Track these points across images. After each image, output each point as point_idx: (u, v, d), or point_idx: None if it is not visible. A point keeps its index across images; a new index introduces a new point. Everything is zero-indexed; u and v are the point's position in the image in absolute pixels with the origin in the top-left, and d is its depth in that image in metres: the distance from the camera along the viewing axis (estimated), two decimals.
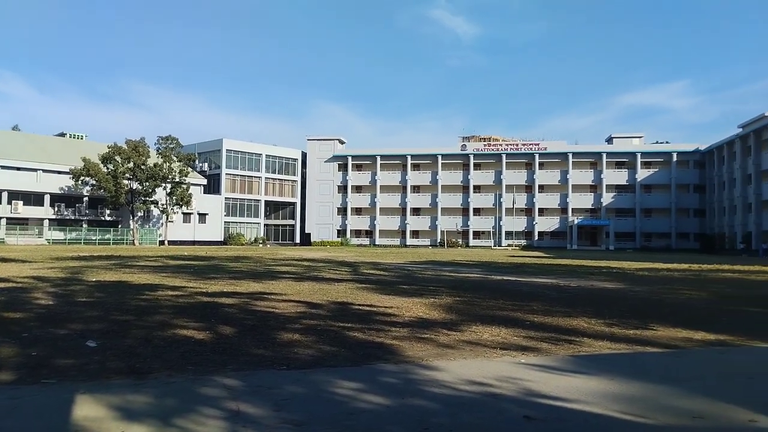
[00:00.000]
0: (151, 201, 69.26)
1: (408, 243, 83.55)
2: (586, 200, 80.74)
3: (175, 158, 70.04)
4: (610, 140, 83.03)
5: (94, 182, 65.71)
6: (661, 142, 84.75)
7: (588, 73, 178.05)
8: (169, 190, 70.09)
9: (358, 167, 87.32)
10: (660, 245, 76.76)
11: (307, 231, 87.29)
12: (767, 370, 6.28)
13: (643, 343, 7.56)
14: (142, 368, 5.63)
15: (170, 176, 68.90)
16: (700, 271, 25.08)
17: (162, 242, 71.72)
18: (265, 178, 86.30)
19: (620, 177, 79.99)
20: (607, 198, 79.82)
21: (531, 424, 4.23)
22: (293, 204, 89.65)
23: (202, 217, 78.13)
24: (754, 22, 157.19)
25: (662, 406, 4.74)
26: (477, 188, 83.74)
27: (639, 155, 79.16)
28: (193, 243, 74.38)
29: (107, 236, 68.86)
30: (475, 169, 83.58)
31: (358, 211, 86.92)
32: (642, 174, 79.06)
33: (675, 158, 78.55)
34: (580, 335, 7.98)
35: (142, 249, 50.63)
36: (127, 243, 68.82)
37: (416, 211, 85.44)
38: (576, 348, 7.12)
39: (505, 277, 19.46)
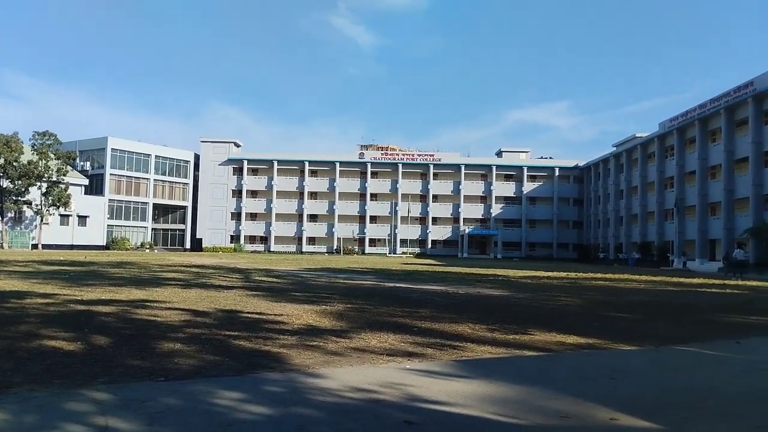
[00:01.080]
0: (23, 201, 63.79)
1: (304, 250, 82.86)
2: (476, 210, 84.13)
3: (52, 156, 64.99)
4: (499, 154, 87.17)
5: None
6: (546, 158, 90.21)
7: (480, 88, 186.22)
8: (44, 190, 64.94)
9: (254, 171, 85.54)
10: (543, 254, 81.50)
11: (198, 236, 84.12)
12: (627, 371, 6.83)
13: (521, 347, 7.97)
14: (1, 383, 5.15)
15: (46, 175, 63.84)
16: (576, 279, 26.88)
17: (35, 246, 66.25)
18: (154, 179, 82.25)
19: (508, 189, 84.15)
20: (496, 209, 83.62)
21: (411, 428, 4.32)
22: (184, 208, 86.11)
23: (82, 219, 73.04)
24: (628, 55, 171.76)
25: (534, 406, 5.01)
26: (374, 196, 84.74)
27: (525, 169, 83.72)
28: (72, 247, 69.29)
29: None
30: (372, 178, 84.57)
31: (253, 216, 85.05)
32: (528, 187, 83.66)
33: (557, 173, 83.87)
34: (464, 341, 8.27)
35: (11, 253, 46.49)
36: None
37: (313, 218, 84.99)
38: (460, 353, 7.37)
39: (397, 284, 19.79)
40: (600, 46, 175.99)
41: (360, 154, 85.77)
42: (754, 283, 28.17)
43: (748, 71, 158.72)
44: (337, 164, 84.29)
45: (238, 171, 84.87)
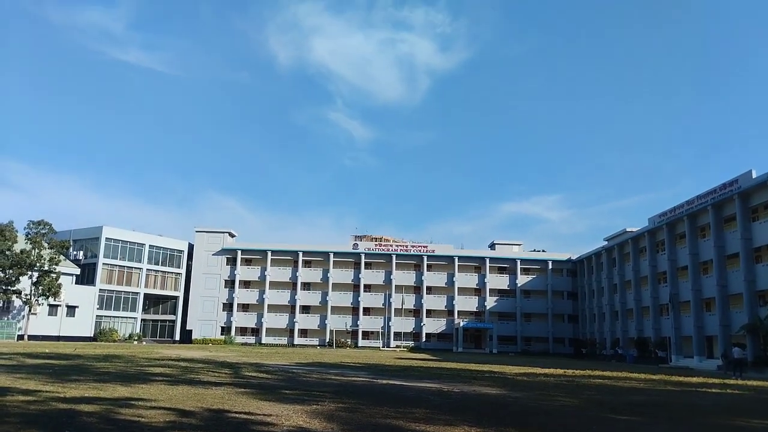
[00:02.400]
0: (13, 290, 62.95)
1: (296, 342, 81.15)
2: (471, 303, 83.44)
3: (46, 245, 64.92)
4: (492, 246, 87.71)
5: None
6: (538, 251, 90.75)
7: (471, 181, 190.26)
8: (35, 279, 64.32)
9: (247, 262, 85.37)
10: (539, 349, 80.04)
11: (188, 327, 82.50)
12: None
13: None
14: None
15: (38, 264, 63.46)
16: (573, 377, 26.27)
17: (21, 337, 64.72)
18: (147, 269, 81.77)
19: (502, 282, 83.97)
20: (490, 302, 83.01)
21: None
22: (175, 298, 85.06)
23: (71, 309, 71.80)
24: (615, 152, 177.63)
25: None
26: (367, 287, 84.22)
27: (519, 262, 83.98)
28: (59, 339, 67.67)
29: None
30: (366, 269, 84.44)
31: (245, 307, 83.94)
32: (522, 280, 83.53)
33: (550, 266, 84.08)
34: None
35: None
36: None
37: (306, 309, 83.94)
38: None
39: (391, 381, 19.28)
40: (587, 142, 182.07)
41: (354, 244, 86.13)
42: (755, 383, 27.59)
43: (733, 168, 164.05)
44: (331, 255, 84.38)
45: (232, 261, 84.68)
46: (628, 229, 69.49)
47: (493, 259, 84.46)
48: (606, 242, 75.28)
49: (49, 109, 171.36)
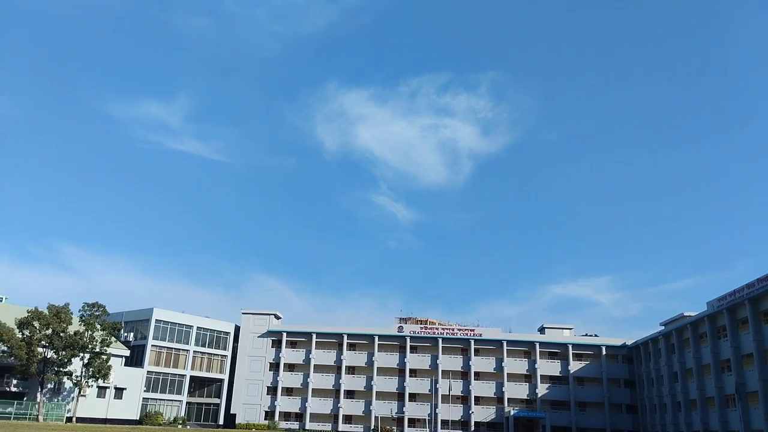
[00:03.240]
0: (64, 372, 64.10)
1: (340, 428, 78.98)
2: (521, 390, 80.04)
3: (98, 326, 66.48)
4: (542, 330, 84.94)
5: (5, 348, 60.93)
6: (590, 335, 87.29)
7: (517, 262, 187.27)
8: (86, 361, 65.49)
9: (292, 344, 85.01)
10: None
11: (232, 411, 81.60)
12: None
13: None
14: None
15: (90, 346, 64.81)
16: None
17: (70, 419, 65.23)
18: (194, 351, 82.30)
19: (554, 368, 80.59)
20: (542, 389, 79.44)
21: None
22: (220, 381, 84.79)
23: (119, 392, 72.32)
24: (667, 232, 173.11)
25: None
26: (413, 372, 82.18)
27: (570, 347, 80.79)
28: (105, 421, 67.94)
29: (8, 410, 62.06)
30: (411, 352, 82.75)
31: (289, 391, 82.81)
32: (574, 366, 80.00)
33: (604, 352, 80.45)
34: None
35: (45, 426, 45.79)
36: (30, 418, 62.20)
37: (350, 394, 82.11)
38: None
39: None
40: (635, 222, 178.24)
41: (399, 327, 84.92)
42: None
43: None
44: (376, 338, 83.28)
45: (277, 343, 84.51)
46: (685, 314, 66.44)
47: (543, 344, 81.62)
48: (663, 327, 71.92)
49: (105, 196, 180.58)
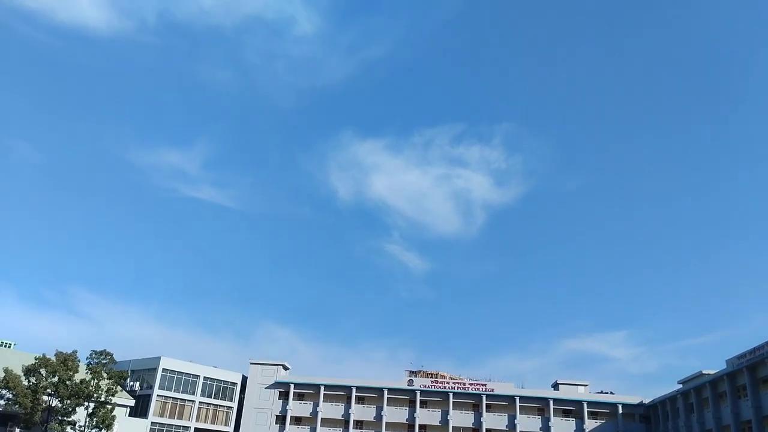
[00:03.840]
0: (68, 422, 63.00)
1: None
2: None
3: (105, 375, 65.69)
4: (556, 386, 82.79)
5: (10, 396, 60.23)
6: (606, 392, 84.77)
7: (531, 314, 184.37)
8: (91, 410, 64.44)
9: (299, 396, 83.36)
10: None
11: None
12: None
13: None
14: None
15: (96, 395, 63.89)
16: None
17: None
18: (199, 402, 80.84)
19: (568, 426, 78.05)
20: None
21: None
22: None
23: None
24: (684, 285, 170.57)
25: None
26: (423, 428, 79.98)
27: (585, 404, 78.40)
28: None
29: None
30: (421, 407, 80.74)
31: None
32: (590, 425, 77.44)
33: (621, 410, 77.94)
34: None
35: None
36: None
37: None
38: None
39: None
40: (651, 275, 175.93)
41: (409, 380, 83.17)
42: None
43: None
44: (385, 391, 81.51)
45: (284, 395, 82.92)
46: (704, 371, 64.59)
47: (557, 401, 79.36)
48: (681, 385, 69.84)
49: (122, 242, 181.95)
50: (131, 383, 78.36)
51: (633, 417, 78.73)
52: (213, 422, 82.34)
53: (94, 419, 64.17)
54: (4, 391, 60.17)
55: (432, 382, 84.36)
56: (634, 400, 79.73)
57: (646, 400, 78.43)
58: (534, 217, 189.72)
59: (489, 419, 79.12)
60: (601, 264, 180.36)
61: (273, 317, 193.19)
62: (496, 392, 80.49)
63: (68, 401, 62.16)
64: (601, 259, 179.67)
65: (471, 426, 79.36)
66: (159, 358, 78.43)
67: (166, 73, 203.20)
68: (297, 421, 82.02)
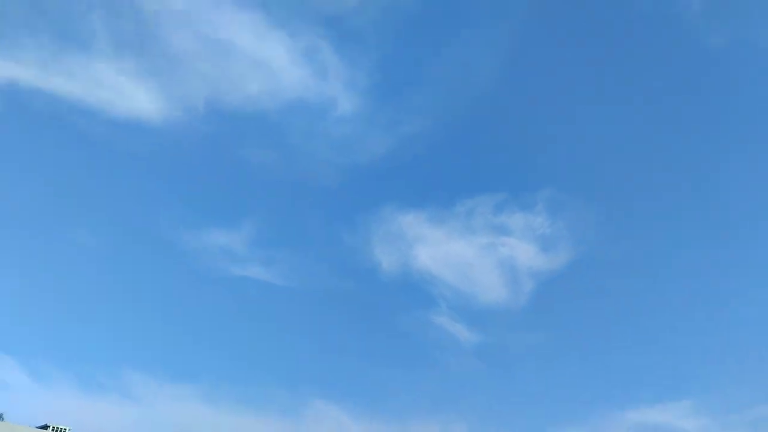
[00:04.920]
0: None
1: None
2: None
3: None
4: None
5: None
6: None
7: (587, 385, 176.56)
8: None
9: None
10: None
11: None
12: None
13: None
14: None
15: None
16: None
17: None
18: None
19: None
20: None
21: None
22: None
23: None
24: (749, 348, 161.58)
25: None
26: None
27: None
28: None
29: None
30: None
31: None
32: None
33: None
34: None
35: None
36: None
37: None
38: None
39: None
40: (716, 339, 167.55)
41: None
42: None
43: None
44: None
45: None
46: None
47: None
48: None
49: (170, 323, 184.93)
50: None
51: None
52: None
53: None
54: None
55: None
56: None
57: None
58: (583, 283, 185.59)
59: None
60: (659, 330, 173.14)
61: (320, 394, 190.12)
62: None
63: None
64: (658, 325, 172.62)
65: None
66: None
67: (215, 156, 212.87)
68: None
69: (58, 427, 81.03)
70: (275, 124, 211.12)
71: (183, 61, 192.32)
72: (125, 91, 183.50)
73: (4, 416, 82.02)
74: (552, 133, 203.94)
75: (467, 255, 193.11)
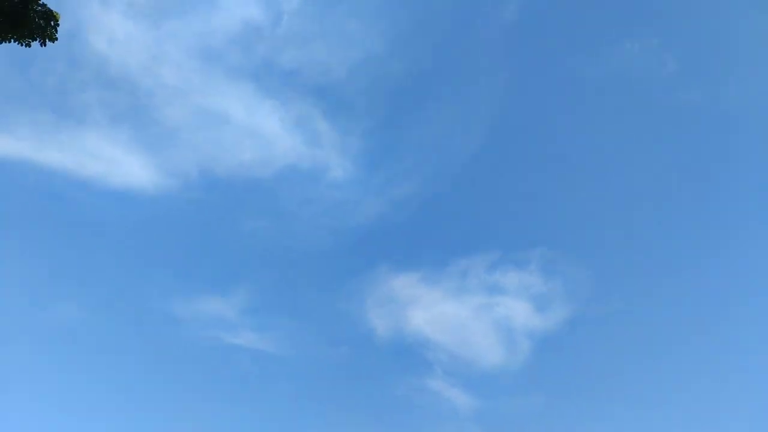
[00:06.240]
0: None
1: None
2: None
3: None
4: None
5: None
6: None
7: None
8: None
9: None
10: None
11: None
12: None
13: None
14: None
15: None
16: None
17: None
18: None
19: None
20: None
21: None
22: None
23: None
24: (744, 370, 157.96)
25: None
26: None
27: None
28: None
29: None
30: None
31: None
32: None
33: None
34: None
35: None
36: None
37: None
38: None
39: None
40: (712, 395, 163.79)
41: None
42: None
43: None
44: None
45: None
46: None
47: None
48: None
49: (157, 397, 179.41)
50: None
51: None
52: None
53: None
54: None
55: None
56: None
57: None
58: (580, 341, 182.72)
59: None
60: (656, 388, 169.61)
61: None
62: None
63: None
64: (654, 383, 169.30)
65: None
66: None
67: (207, 224, 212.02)
68: None
69: None
70: (268, 191, 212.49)
71: (176, 132, 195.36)
72: (119, 163, 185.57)
73: None
74: (542, 192, 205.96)
75: (462, 316, 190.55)
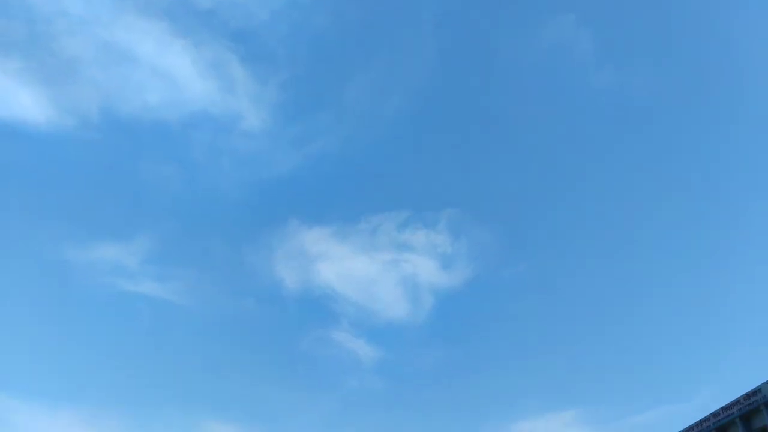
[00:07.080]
0: None
1: None
2: None
3: None
4: None
5: None
6: None
7: (482, 397, 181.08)
8: None
9: None
10: None
11: None
12: None
13: None
14: None
15: None
16: None
17: None
18: None
19: None
20: None
21: None
22: None
23: None
24: (628, 361, 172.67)
25: None
26: None
27: None
28: None
29: None
30: None
31: None
32: None
33: None
34: None
35: None
36: None
37: None
38: None
39: None
40: (596, 352, 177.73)
41: None
42: None
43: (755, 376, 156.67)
44: None
45: None
46: None
47: None
48: None
49: (48, 342, 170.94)
50: None
51: None
52: None
53: None
54: None
55: None
56: None
57: None
58: (480, 301, 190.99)
59: None
60: (546, 343, 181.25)
61: (214, 416, 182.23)
62: None
63: None
64: (546, 339, 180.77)
65: None
66: None
67: (107, 169, 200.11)
68: None
69: None
70: (176, 137, 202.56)
71: (76, 66, 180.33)
72: (7, 94, 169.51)
73: None
74: (456, 157, 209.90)
75: (370, 271, 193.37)
